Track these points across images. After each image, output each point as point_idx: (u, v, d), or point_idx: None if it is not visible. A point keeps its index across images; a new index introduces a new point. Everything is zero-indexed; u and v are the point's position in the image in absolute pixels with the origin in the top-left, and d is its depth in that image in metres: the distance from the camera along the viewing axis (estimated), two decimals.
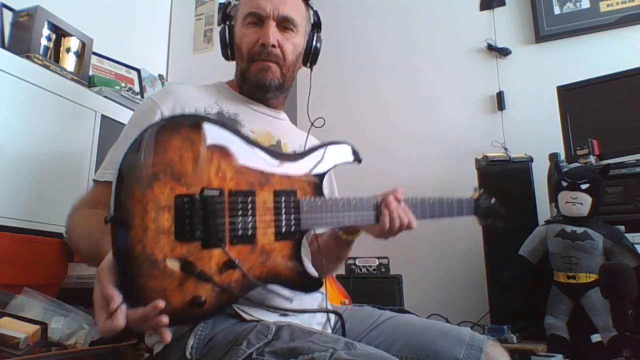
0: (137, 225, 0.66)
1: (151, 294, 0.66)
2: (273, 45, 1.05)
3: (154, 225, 0.67)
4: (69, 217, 0.93)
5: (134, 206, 0.67)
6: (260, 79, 1.08)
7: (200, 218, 0.72)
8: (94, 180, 0.98)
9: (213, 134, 0.78)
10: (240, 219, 0.78)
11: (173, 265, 0.69)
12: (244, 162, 0.81)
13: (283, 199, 0.85)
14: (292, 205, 0.86)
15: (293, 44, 1.10)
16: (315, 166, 0.93)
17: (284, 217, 0.84)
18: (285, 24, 1.07)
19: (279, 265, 0.83)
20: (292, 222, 0.86)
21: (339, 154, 0.99)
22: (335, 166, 0.97)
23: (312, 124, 1.10)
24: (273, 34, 1.05)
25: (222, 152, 0.78)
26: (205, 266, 0.72)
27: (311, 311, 0.82)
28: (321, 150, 0.96)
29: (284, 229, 0.84)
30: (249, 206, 0.79)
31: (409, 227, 1.01)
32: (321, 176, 0.93)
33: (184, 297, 0.69)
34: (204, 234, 0.72)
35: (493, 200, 1.29)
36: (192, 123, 0.77)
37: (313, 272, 0.89)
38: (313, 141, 1.19)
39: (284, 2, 1.07)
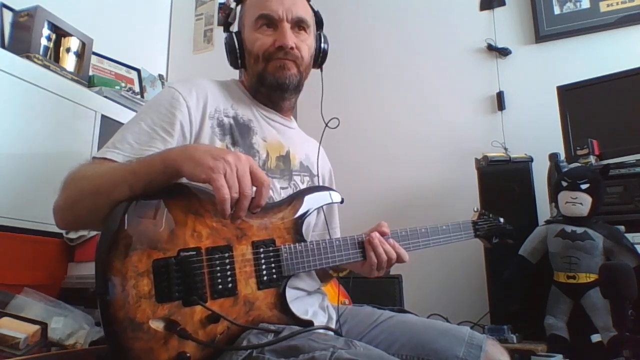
0: (118, 293, 0.71)
1: (138, 355, 0.70)
2: (291, 48, 1.03)
3: (134, 291, 0.72)
4: (70, 174, 0.87)
5: (114, 276, 0.71)
6: (279, 77, 1.05)
7: (178, 279, 0.75)
8: (93, 157, 0.92)
9: (186, 198, 0.81)
10: (219, 274, 0.80)
11: (157, 325, 0.72)
12: (219, 219, 0.82)
13: (262, 249, 0.86)
14: (272, 254, 0.88)
15: (308, 45, 1.09)
16: (294, 213, 0.94)
17: (264, 266, 0.86)
18: (299, 24, 1.06)
19: (264, 312, 0.85)
20: (274, 270, 0.87)
21: (318, 199, 1.00)
22: (314, 210, 0.98)
23: (326, 125, 1.09)
24: (290, 36, 1.03)
25: (196, 213, 0.81)
26: (189, 323, 0.75)
27: (305, 330, 0.82)
28: (299, 197, 0.97)
29: (265, 278, 0.86)
30: (227, 261, 0.81)
31: (399, 260, 0.99)
32: (300, 221, 0.94)
33: (170, 354, 0.73)
34: (183, 293, 0.75)
35: (495, 218, 1.25)
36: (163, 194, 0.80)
37: (300, 314, 0.89)
38: (315, 150, 1.19)
39: (295, 4, 1.05)
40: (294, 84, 1.08)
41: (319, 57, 1.16)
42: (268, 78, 1.06)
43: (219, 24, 3.15)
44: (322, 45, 1.15)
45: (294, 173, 1.10)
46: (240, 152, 0.98)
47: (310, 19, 1.10)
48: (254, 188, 0.78)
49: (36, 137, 1.74)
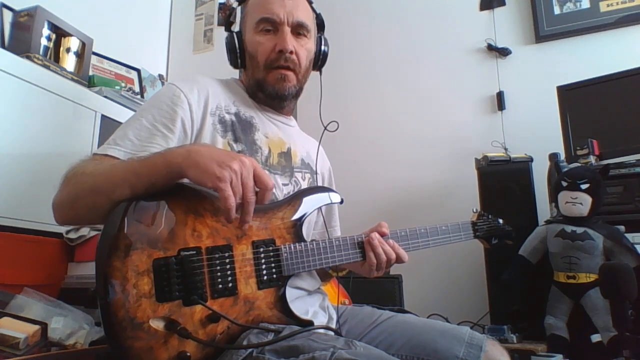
0: (118, 292, 0.71)
1: (138, 354, 0.70)
2: (290, 52, 1.04)
3: (134, 290, 0.72)
4: (71, 170, 0.87)
5: (115, 275, 0.71)
6: (279, 90, 1.06)
7: (178, 278, 0.75)
8: (94, 153, 0.92)
9: (186, 198, 0.81)
10: (219, 273, 0.80)
11: (157, 325, 0.72)
12: (218, 219, 0.82)
13: (262, 249, 0.86)
14: (272, 254, 0.88)
15: (307, 49, 1.09)
16: (293, 213, 0.94)
17: (264, 266, 0.86)
18: (299, 29, 1.06)
19: (264, 312, 0.85)
20: (274, 270, 0.87)
21: (317, 199, 1.00)
22: (313, 210, 0.98)
23: (325, 128, 1.09)
24: (290, 40, 1.04)
25: (196, 213, 0.81)
26: (189, 322, 0.75)
27: (305, 330, 0.82)
28: (299, 198, 0.97)
29: (265, 278, 0.86)
30: (227, 260, 0.81)
31: (398, 261, 0.98)
32: (300, 221, 0.94)
33: (170, 353, 0.73)
34: (184, 293, 0.75)
35: (494, 218, 1.25)
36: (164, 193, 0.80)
37: (300, 314, 0.89)
38: (315, 149, 1.19)
39: (296, 7, 1.05)
40: (292, 94, 1.09)
41: (319, 60, 1.15)
42: (268, 88, 1.07)
43: (219, 24, 3.15)
44: (322, 47, 1.15)
45: (295, 170, 1.10)
46: (242, 150, 0.98)
47: (311, 23, 1.10)
48: (257, 189, 0.78)
49: (36, 137, 1.74)
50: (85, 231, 1.67)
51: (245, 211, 0.76)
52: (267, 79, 1.06)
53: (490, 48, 2.49)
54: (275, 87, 1.06)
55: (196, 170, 0.75)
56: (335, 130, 1.08)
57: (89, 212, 0.82)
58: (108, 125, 1.98)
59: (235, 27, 1.15)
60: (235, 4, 1.16)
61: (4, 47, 1.95)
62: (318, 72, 1.19)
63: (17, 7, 2.04)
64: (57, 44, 2.11)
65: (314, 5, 1.13)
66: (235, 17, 1.16)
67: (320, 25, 1.16)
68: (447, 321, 1.80)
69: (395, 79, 2.72)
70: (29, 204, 1.65)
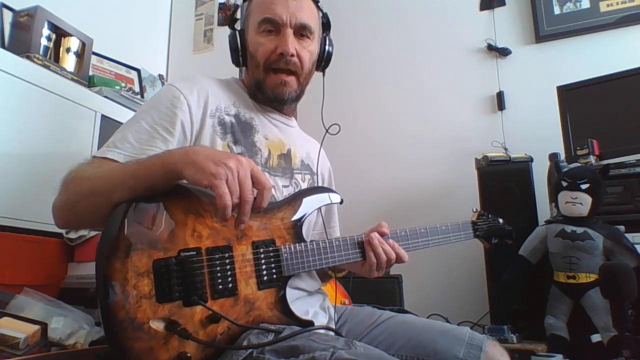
0: (118, 293, 0.71)
1: (139, 355, 0.70)
2: (292, 55, 1.02)
3: (135, 291, 0.72)
4: (70, 173, 0.87)
5: (115, 276, 0.71)
6: (277, 94, 1.06)
7: (178, 279, 0.75)
8: (93, 156, 0.91)
9: (186, 199, 0.81)
10: (219, 274, 0.80)
11: (157, 325, 0.72)
12: (218, 220, 0.82)
13: (262, 249, 0.86)
14: (272, 254, 0.88)
15: (310, 51, 1.07)
16: (293, 213, 0.94)
17: (264, 266, 0.86)
18: (302, 31, 1.05)
19: (265, 312, 0.85)
20: (274, 270, 0.87)
21: (317, 200, 1.00)
22: (313, 211, 0.98)
23: (327, 131, 1.09)
24: (292, 42, 1.02)
25: (196, 213, 0.81)
26: (189, 323, 0.75)
27: (306, 330, 0.82)
28: (299, 198, 0.97)
29: (265, 278, 0.85)
30: (227, 261, 0.81)
31: (398, 260, 0.98)
32: (300, 221, 0.94)
33: (170, 354, 0.73)
34: (184, 293, 0.75)
35: (494, 218, 1.26)
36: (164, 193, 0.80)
37: (301, 314, 0.89)
38: (315, 149, 1.19)
39: (300, 8, 1.04)
40: (292, 98, 1.09)
41: (322, 61, 1.14)
42: (267, 91, 1.06)
43: (219, 24, 3.15)
44: (327, 48, 1.13)
45: (295, 171, 1.10)
46: (241, 153, 0.98)
47: (315, 24, 1.08)
48: (256, 191, 0.78)
49: (36, 137, 1.74)
50: (85, 231, 1.67)
51: (243, 211, 0.75)
52: (266, 82, 1.05)
53: (490, 48, 2.49)
54: (274, 92, 1.06)
55: (192, 168, 0.75)
56: (337, 133, 1.08)
57: (89, 215, 0.82)
58: (108, 126, 1.98)
59: (239, 25, 1.14)
60: (239, 1, 1.15)
61: (4, 47, 1.95)
62: (318, 73, 1.17)
63: (17, 7, 2.04)
64: (57, 44, 2.11)
65: (320, 4, 1.11)
66: (240, 14, 1.15)
67: (326, 25, 1.14)
68: (447, 321, 1.80)
69: (395, 79, 2.72)
70: (29, 204, 1.65)
